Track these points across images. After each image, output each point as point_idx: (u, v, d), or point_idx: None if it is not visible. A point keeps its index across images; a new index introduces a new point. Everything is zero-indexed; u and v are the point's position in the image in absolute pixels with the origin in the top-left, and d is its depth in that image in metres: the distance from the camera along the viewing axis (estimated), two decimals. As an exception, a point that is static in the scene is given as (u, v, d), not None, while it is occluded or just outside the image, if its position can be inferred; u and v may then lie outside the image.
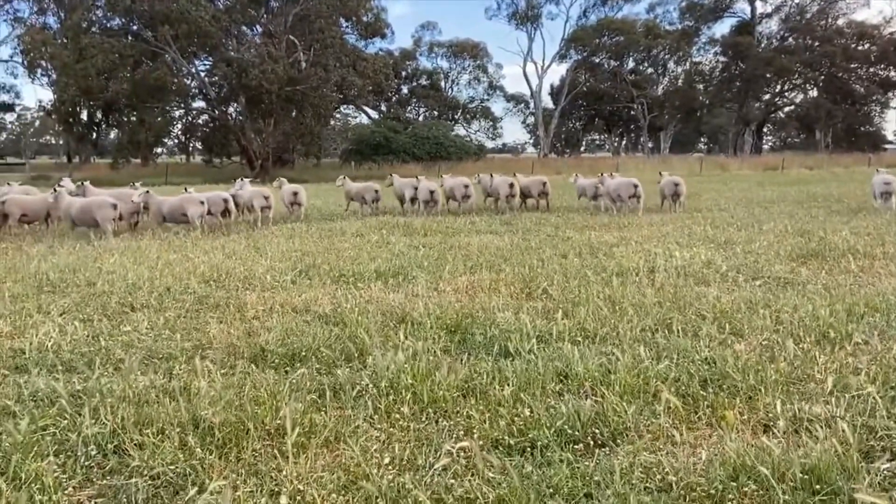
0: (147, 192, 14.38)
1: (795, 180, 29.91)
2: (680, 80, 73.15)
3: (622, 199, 16.66)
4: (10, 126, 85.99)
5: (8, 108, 66.52)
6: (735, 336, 5.57)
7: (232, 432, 3.91)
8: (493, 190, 17.98)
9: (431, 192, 17.16)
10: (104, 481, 3.55)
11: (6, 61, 59.93)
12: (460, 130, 68.63)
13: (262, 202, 15.78)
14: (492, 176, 18.77)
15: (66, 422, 4.08)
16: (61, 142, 75.30)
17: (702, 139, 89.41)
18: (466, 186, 17.66)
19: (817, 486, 3.20)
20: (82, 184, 15.84)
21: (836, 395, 4.28)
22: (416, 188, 17.60)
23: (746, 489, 3.21)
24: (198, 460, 3.63)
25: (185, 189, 15.94)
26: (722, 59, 70.49)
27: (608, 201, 17.03)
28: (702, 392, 4.41)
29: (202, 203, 14.12)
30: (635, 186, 16.59)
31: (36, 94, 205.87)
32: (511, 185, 17.47)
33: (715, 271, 8.27)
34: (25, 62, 51.24)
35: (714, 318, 6.04)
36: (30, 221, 14.37)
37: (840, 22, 66.79)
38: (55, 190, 14.12)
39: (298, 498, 3.28)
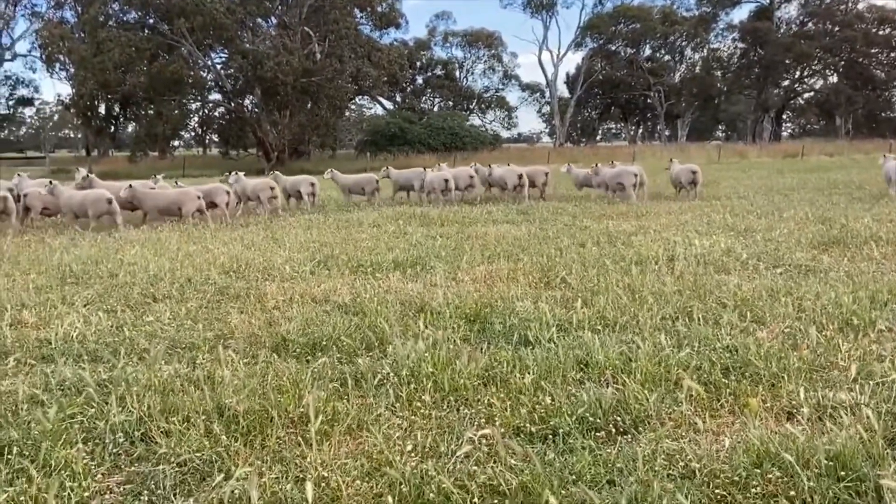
0: (130, 186, 14.51)
1: (815, 167, 29.57)
2: (697, 67, 72.38)
3: (623, 187, 16.72)
4: (29, 120, 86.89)
5: (27, 102, 67.24)
6: (757, 324, 5.54)
7: (256, 420, 3.95)
8: (498, 180, 18.14)
9: (446, 181, 17.27)
10: (132, 468, 3.61)
11: (25, 56, 60.67)
12: (475, 120, 68.48)
13: (269, 193, 16.01)
14: (490, 166, 18.98)
15: (93, 410, 4.14)
16: (80, 135, 76.05)
17: (720, 127, 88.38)
18: (471, 177, 17.98)
19: (842, 473, 3.18)
20: (88, 176, 16.02)
21: (861, 382, 4.26)
22: (423, 179, 17.74)
23: (770, 476, 3.21)
24: (223, 447, 3.68)
25: (176, 182, 16.16)
26: (740, 45, 69.66)
27: (603, 190, 17.16)
28: (724, 380, 4.40)
29: (199, 198, 14.29)
30: (635, 175, 16.64)
31: (54, 88, 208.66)
32: (520, 176, 17.66)
33: (735, 259, 8.21)
34: (44, 57, 51.79)
35: (735, 306, 6.01)
36: (51, 214, 14.57)
37: (860, 6, 65.89)
38: (51, 183, 14.38)
39: (323, 484, 3.32)
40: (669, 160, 19.03)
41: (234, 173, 17.13)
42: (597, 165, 18.25)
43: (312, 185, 17.36)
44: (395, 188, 18.97)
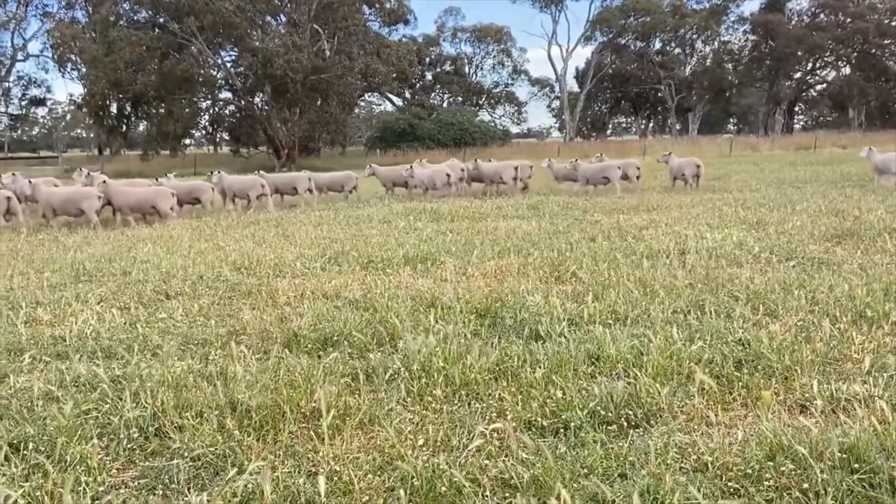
0: (105, 182, 14.74)
1: (828, 160, 29.31)
2: (708, 60, 71.86)
3: (608, 181, 17.27)
4: (42, 120, 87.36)
5: (39, 102, 67.61)
6: (769, 317, 5.51)
7: (268, 415, 3.97)
8: (493, 174, 18.60)
9: (448, 176, 17.68)
10: (146, 463, 3.64)
11: (37, 56, 60.96)
12: (485, 116, 68.40)
13: (259, 190, 16.49)
14: (476, 161, 19.70)
15: (107, 406, 4.18)
16: (92, 135, 76.40)
17: (731, 120, 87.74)
18: (462, 170, 18.66)
19: (856, 466, 3.16)
20: (90, 174, 16.31)
21: (874, 374, 4.24)
22: (412, 176, 18.17)
23: (784, 468, 3.19)
24: (236, 442, 3.70)
25: (157, 180, 16.53)
26: (751, 37, 69.06)
27: (582, 184, 17.63)
28: (736, 373, 4.38)
29: (172, 195, 14.47)
30: (619, 168, 17.30)
31: (66, 87, 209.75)
32: (516, 168, 18.23)
33: (747, 252, 8.17)
34: (55, 57, 52.11)
35: (747, 300, 5.98)
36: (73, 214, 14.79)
37: (873, -3, 65.04)
38: (30, 182, 14.72)
39: (335, 478, 3.33)
40: (667, 153, 19.22)
41: (217, 171, 17.62)
42: (576, 160, 18.90)
43: (309, 180, 17.88)
44: (384, 185, 19.27)
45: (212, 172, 17.99)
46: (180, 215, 14.87)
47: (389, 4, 54.58)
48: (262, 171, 19.12)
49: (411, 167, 18.59)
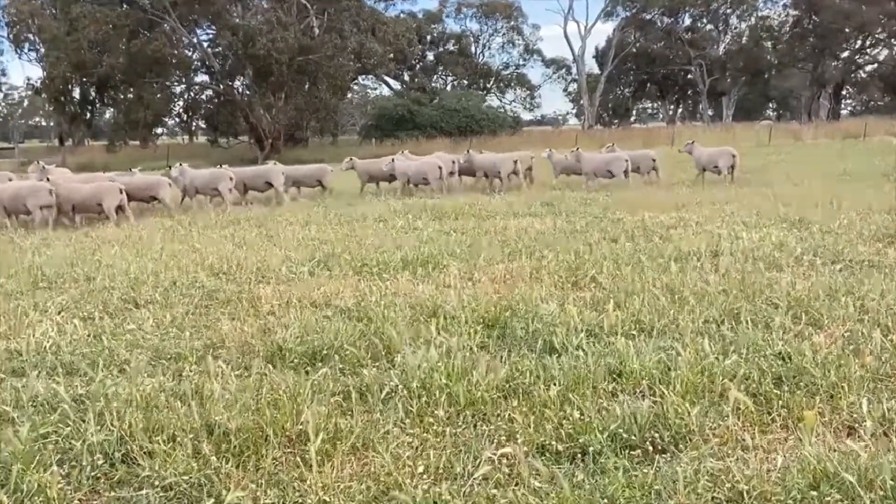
0: (48, 178, 14.85)
1: (880, 149, 29.27)
2: (744, 38, 71.83)
3: (613, 174, 17.60)
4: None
5: (-7, 87, 68.00)
6: (813, 327, 5.51)
7: (249, 439, 3.98)
8: (491, 167, 18.80)
9: (440, 169, 17.89)
10: (112, 493, 3.65)
11: (-10, 36, 61.18)
12: (493, 101, 68.52)
13: (229, 183, 16.54)
14: (469, 152, 20.01)
15: (69, 428, 4.18)
16: (52, 123, 76.71)
17: (770, 105, 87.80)
18: (454, 162, 18.86)
19: (911, 496, 3.16)
20: (45, 168, 16.43)
21: (932, 392, 4.23)
22: (393, 169, 18.34)
23: (829, 499, 3.19)
24: (213, 469, 3.71)
25: (104, 173, 16.73)
26: (793, 12, 68.97)
27: (590, 178, 17.91)
28: (775, 391, 4.38)
29: (120, 192, 14.49)
30: (626, 161, 17.65)
31: (23, 70, 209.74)
32: (515, 162, 18.50)
33: (788, 254, 8.17)
34: (10, 36, 52.37)
35: (788, 308, 5.97)
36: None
37: (931, -36, 64.93)
38: None
39: (324, 510, 3.34)
40: (690, 142, 19.30)
41: (178, 164, 17.68)
42: (577, 149, 19.13)
43: (283, 174, 17.93)
44: (362, 180, 19.35)
45: (171, 167, 18.12)
46: (137, 214, 14.88)
47: (386, -24, 54.81)
48: (225, 165, 19.27)
49: (392, 160, 18.70)
